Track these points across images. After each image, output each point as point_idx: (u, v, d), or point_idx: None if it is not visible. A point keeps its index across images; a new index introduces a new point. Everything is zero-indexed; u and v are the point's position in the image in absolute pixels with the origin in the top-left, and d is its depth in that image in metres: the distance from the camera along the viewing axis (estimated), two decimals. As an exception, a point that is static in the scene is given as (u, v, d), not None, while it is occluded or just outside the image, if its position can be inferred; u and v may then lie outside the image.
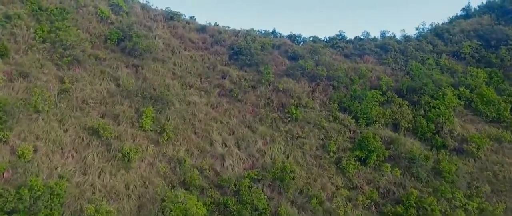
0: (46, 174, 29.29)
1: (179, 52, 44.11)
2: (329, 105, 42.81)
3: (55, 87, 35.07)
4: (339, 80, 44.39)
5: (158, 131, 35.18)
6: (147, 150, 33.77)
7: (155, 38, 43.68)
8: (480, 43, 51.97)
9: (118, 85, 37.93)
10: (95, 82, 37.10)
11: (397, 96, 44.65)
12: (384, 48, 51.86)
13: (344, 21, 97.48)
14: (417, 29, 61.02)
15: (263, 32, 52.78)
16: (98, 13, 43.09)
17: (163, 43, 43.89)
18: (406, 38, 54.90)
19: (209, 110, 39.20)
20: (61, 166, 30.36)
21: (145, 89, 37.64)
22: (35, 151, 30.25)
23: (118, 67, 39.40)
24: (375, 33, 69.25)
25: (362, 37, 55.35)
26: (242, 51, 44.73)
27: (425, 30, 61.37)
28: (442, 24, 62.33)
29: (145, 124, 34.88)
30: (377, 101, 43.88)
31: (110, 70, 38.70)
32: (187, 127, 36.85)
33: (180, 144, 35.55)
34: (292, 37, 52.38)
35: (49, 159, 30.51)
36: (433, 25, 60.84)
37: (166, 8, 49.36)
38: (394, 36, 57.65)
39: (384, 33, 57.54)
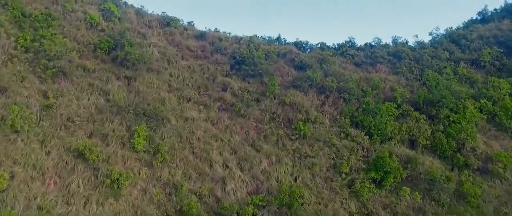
0: (23, 205, 26.20)
1: (176, 61, 40.86)
2: (340, 120, 39.56)
3: (37, 103, 31.92)
4: (350, 92, 41.14)
5: (152, 152, 31.99)
6: (139, 174, 30.61)
7: (149, 46, 40.49)
8: (501, 50, 48.62)
9: (107, 100, 34.74)
10: (82, 97, 33.90)
11: (413, 110, 41.42)
12: (397, 55, 48.61)
13: (349, 25, 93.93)
14: (430, 34, 57.76)
15: (267, 38, 49.55)
16: (88, 20, 39.89)
17: (159, 52, 40.68)
18: (420, 45, 51.60)
19: (209, 127, 35.97)
20: (41, 195, 27.20)
21: (138, 104, 34.46)
22: (12, 177, 27.13)
23: (108, 79, 36.18)
24: (386, 39, 66.27)
25: (373, 43, 52.16)
26: (245, 61, 41.48)
27: (439, 35, 58.35)
28: (457, 29, 59.21)
29: (138, 144, 31.69)
30: (392, 115, 40.66)
31: (99, 83, 35.48)
32: (184, 146, 33.64)
33: (177, 166, 32.36)
34: (298, 44, 49.13)
35: (28, 187, 27.37)
36: (448, 30, 57.77)
37: (162, 13, 46.16)
38: (407, 42, 54.38)
39: (396, 39, 54.28)
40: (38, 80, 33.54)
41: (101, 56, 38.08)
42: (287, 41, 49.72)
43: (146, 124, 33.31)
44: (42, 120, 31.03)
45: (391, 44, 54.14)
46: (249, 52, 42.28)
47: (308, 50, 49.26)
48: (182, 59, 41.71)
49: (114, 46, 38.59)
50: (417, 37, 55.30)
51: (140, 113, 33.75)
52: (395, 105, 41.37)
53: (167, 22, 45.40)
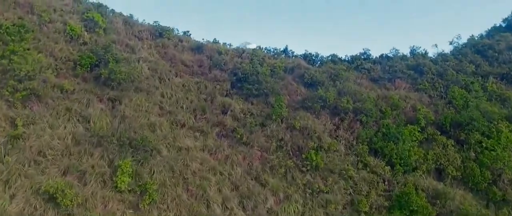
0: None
1: (168, 79, 36.35)
2: (357, 146, 35.11)
3: (3, 133, 27.37)
4: (368, 113, 36.65)
5: (139, 192, 27.42)
6: (123, 220, 26.08)
7: (138, 61, 35.92)
8: (535, 63, 44.41)
9: (87, 128, 30.14)
10: (57, 124, 29.32)
11: (439, 133, 37.10)
12: (418, 69, 44.13)
13: (356, 34, 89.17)
14: (451, 43, 53.61)
15: (272, 50, 44.97)
16: (67, 31, 35.31)
17: (149, 68, 36.12)
18: (443, 57, 47.10)
19: (206, 158, 31.45)
20: (2, 251, 22.68)
21: (123, 132, 29.87)
22: (-34, 230, 22.63)
23: (89, 102, 31.61)
24: (403, 49, 61.95)
25: (390, 55, 47.71)
26: (248, 78, 36.94)
27: (461, 44, 54.06)
28: (480, 37, 54.93)
29: (121, 182, 27.11)
30: (415, 140, 36.31)
31: (78, 107, 30.90)
32: (177, 182, 29.09)
33: (168, 207, 27.78)
34: (307, 57, 44.57)
35: (-15, 241, 22.84)
36: (471, 39, 53.36)
37: (154, 22, 41.61)
38: (426, 53, 50.09)
39: (415, 50, 49.93)
40: (6, 104, 28.95)
41: (82, 74, 33.54)
42: (295, 54, 45.20)
43: (132, 157, 28.79)
44: (7, 155, 26.45)
45: (408, 55, 49.85)
46: (253, 67, 37.76)
47: (318, 63, 44.77)
48: (176, 76, 37.17)
49: (97, 63, 34.05)
50: (436, 46, 51.09)
51: (125, 144, 29.18)
52: (418, 128, 37.09)
53: (160, 33, 40.84)
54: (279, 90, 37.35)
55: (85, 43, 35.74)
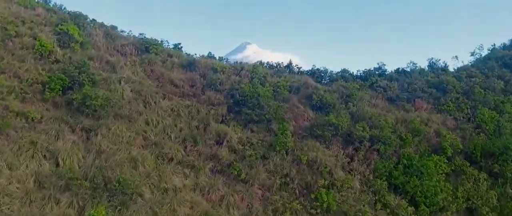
0: None
1: (155, 102, 32.04)
2: (374, 182, 30.79)
3: (-52, 176, 23.09)
4: (386, 141, 32.34)
5: (114, 249, 23.15)
6: None
7: (120, 82, 31.65)
8: None
9: (56, 166, 25.81)
10: (17, 164, 24.93)
11: (469, 164, 32.95)
12: (440, 87, 39.85)
13: (363, 44, 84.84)
14: (472, 54, 49.52)
15: (275, 66, 40.61)
16: (37, 47, 31.03)
17: (132, 90, 31.86)
18: (467, 72, 42.74)
19: (197, 200, 26.98)
20: None
21: (98, 171, 25.56)
22: None
23: (59, 133, 27.26)
24: (420, 61, 57.92)
25: (407, 69, 43.44)
26: (247, 100, 32.64)
27: (483, 55, 49.97)
28: (503, 47, 50.86)
29: (93, 237, 22.80)
30: (442, 174, 32.05)
31: (45, 140, 26.54)
32: (162, 233, 24.75)
33: (150, 265, 23.49)
34: (315, 73, 40.21)
35: None
36: (495, 51, 49.18)
37: (140, 35, 37.29)
38: (446, 66, 46.01)
39: (433, 63, 45.76)
40: (-44, 139, 24.71)
41: (52, 99, 29.28)
42: (301, 69, 40.79)
43: (109, 202, 24.42)
44: (-48, 205, 22.15)
45: (426, 68, 45.71)
46: (253, 88, 33.43)
47: (328, 79, 40.43)
48: (164, 99, 32.84)
49: (70, 85, 29.78)
50: (457, 58, 46.95)
51: (99, 186, 24.87)
52: (444, 159, 32.84)
53: (146, 47, 36.52)
54: (283, 115, 33.04)
55: (57, 61, 31.51)
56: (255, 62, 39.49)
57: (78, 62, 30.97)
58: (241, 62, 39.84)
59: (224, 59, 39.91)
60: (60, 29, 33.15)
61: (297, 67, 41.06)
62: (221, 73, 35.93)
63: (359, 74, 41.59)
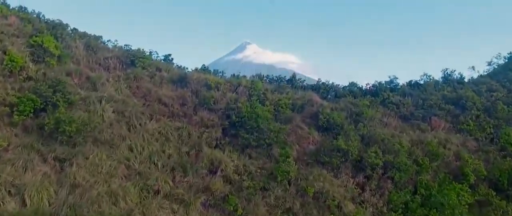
0: None
1: (140, 124, 28.85)
2: (389, 215, 27.57)
3: None
4: (402, 168, 29.13)
5: None
6: None
7: (101, 102, 28.42)
8: None
9: (23, 203, 22.57)
10: (-24, 203, 21.74)
11: (495, 194, 29.72)
12: (459, 104, 36.65)
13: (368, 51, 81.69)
14: (489, 64, 46.53)
15: (276, 80, 37.38)
16: (6, 63, 27.80)
17: (115, 111, 28.68)
18: (487, 86, 39.51)
19: (187, 241, 23.88)
20: None
21: (71, 211, 22.38)
22: None
23: (28, 164, 24.08)
24: (433, 72, 54.80)
25: (421, 82, 40.26)
26: (245, 122, 29.41)
27: (500, 65, 47.00)
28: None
29: None
30: (465, 205, 28.80)
31: (10, 174, 23.29)
32: None
33: None
34: (320, 88, 36.98)
35: None
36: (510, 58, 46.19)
37: (125, 45, 34.10)
38: (462, 78, 42.83)
39: (448, 75, 42.59)
40: None
41: (22, 123, 26.07)
42: (304, 82, 37.49)
43: (83, 247, 21.28)
44: None
45: (440, 80, 42.57)
46: (251, 108, 30.19)
47: (334, 94, 37.16)
48: (151, 120, 29.62)
49: (43, 106, 26.55)
50: (474, 69, 43.87)
51: (72, 229, 21.65)
52: (467, 187, 29.60)
53: (132, 60, 33.32)
54: (286, 138, 29.84)
55: (29, 79, 28.35)
56: (253, 77, 36.22)
57: (53, 80, 27.74)
58: (238, 76, 36.53)
59: (220, 73, 36.65)
60: (34, 41, 29.91)
61: (301, 81, 37.75)
62: (216, 89, 32.63)
63: (368, 89, 38.31)
